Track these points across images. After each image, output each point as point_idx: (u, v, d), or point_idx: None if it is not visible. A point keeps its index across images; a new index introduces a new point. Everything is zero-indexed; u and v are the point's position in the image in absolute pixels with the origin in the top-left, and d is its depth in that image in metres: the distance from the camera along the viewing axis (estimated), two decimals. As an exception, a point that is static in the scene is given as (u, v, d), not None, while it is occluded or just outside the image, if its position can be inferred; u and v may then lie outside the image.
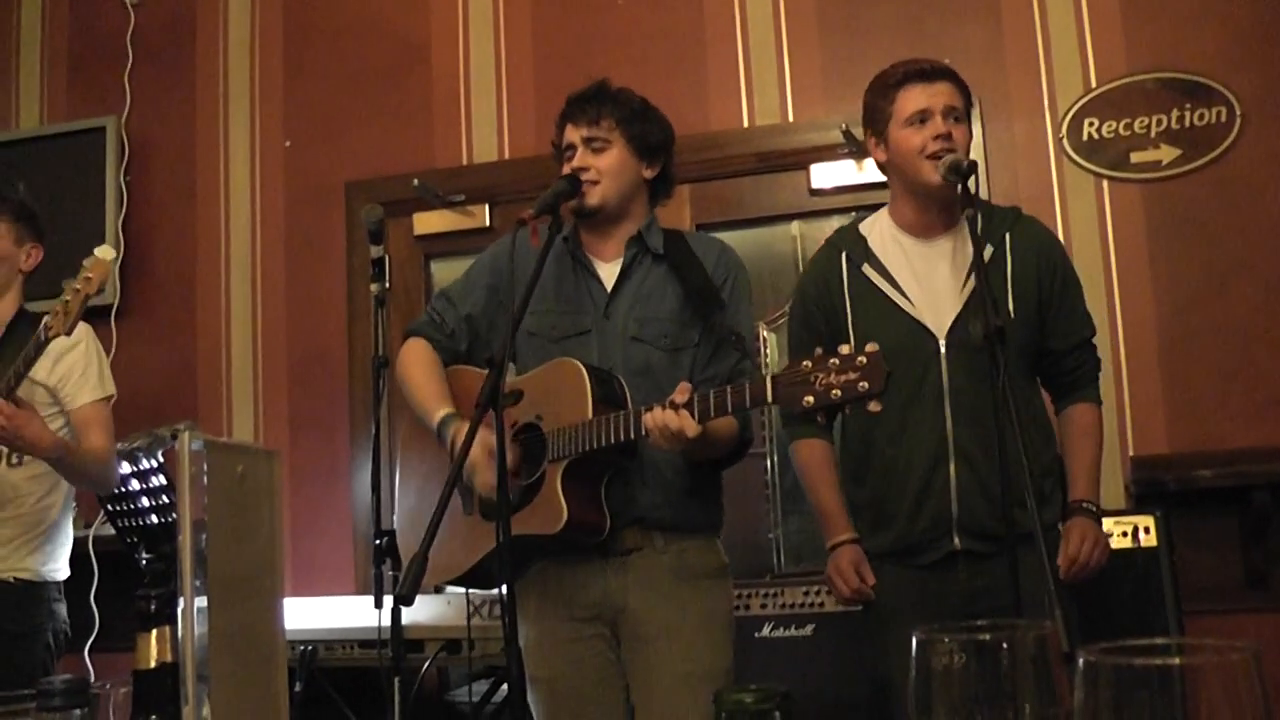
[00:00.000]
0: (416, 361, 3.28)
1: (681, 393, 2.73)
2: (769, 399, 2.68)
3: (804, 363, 2.61)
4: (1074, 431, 3.24)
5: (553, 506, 2.89)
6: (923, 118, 3.13)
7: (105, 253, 3.52)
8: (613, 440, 2.85)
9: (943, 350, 3.09)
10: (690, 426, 2.71)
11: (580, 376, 2.95)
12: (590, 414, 2.89)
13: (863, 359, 2.55)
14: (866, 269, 3.21)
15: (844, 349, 2.58)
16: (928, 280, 3.16)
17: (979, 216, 2.90)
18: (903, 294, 3.15)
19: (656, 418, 2.73)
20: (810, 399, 2.59)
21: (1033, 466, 2.99)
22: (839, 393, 2.56)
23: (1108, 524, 3.47)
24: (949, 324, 3.10)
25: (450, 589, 3.79)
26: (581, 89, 3.25)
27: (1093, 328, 3.31)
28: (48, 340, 3.46)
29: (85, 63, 5.84)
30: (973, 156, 3.19)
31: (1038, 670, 1.01)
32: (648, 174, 3.24)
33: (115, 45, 5.71)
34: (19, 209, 3.90)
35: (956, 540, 3.07)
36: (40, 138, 5.72)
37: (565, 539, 2.91)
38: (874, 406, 2.56)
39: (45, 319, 3.45)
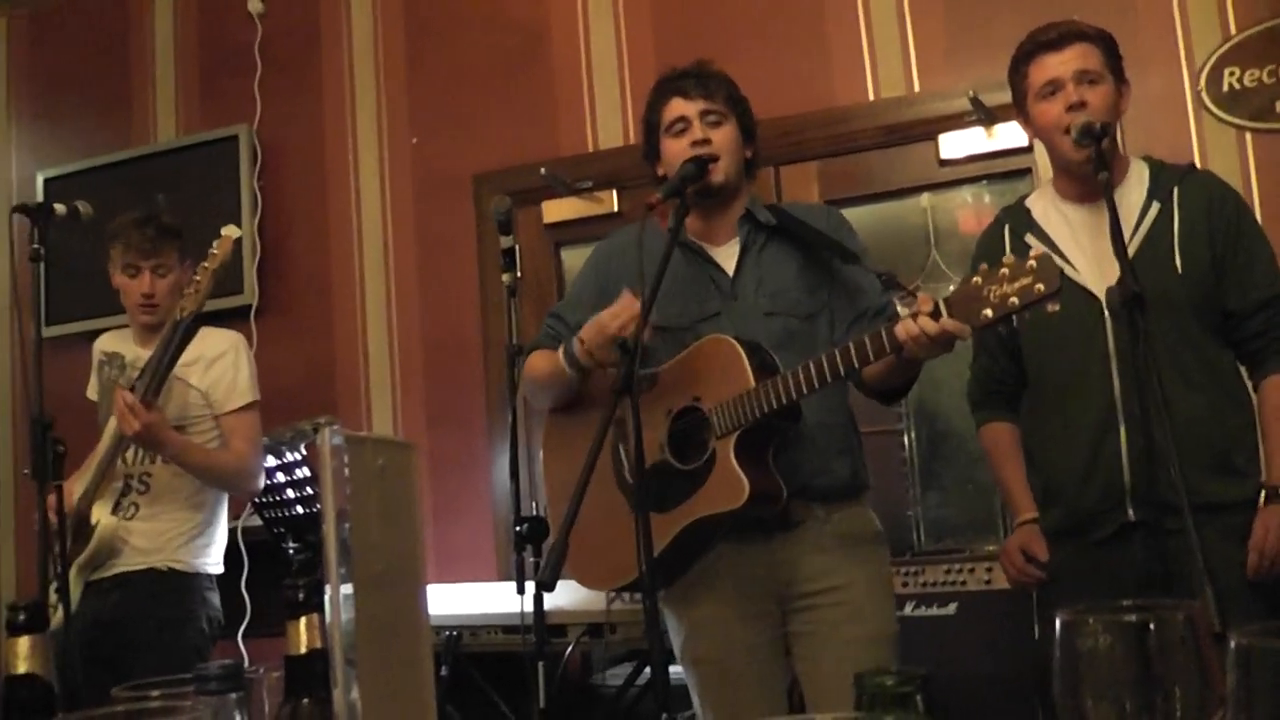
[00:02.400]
0: (534, 359, 3.26)
1: (926, 302, 2.62)
2: (948, 318, 2.57)
3: (974, 278, 2.54)
4: (1266, 410, 3.04)
5: (731, 481, 2.84)
6: (1054, 88, 3.06)
7: (231, 230, 3.72)
8: (784, 400, 2.79)
9: (1106, 313, 2.99)
10: (963, 328, 2.58)
11: (734, 349, 2.90)
12: (753, 382, 2.84)
13: (1032, 262, 2.47)
14: (1029, 238, 3.14)
15: (1009, 257, 2.50)
16: (1090, 245, 3.06)
17: (1111, 178, 2.83)
18: (1065, 259, 3.06)
19: (910, 328, 2.61)
20: (989, 312, 2.51)
21: (1212, 434, 2.93)
22: (1015, 300, 2.48)
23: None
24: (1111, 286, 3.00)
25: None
26: (680, 68, 3.21)
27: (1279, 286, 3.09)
28: (184, 319, 3.65)
29: (216, 75, 5.99)
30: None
31: (1187, 653, 0.96)
32: (748, 153, 3.21)
33: (244, 56, 5.84)
34: (176, 231, 4.04)
35: (1131, 511, 2.95)
36: (177, 149, 5.90)
37: (747, 513, 2.86)
38: (1052, 306, 2.49)
39: (180, 301, 3.65)
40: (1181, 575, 2.67)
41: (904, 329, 2.63)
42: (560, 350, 3.08)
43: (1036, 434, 3.19)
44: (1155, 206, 3.04)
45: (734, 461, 2.84)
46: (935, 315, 2.59)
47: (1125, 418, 2.96)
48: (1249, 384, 3.10)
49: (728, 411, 2.87)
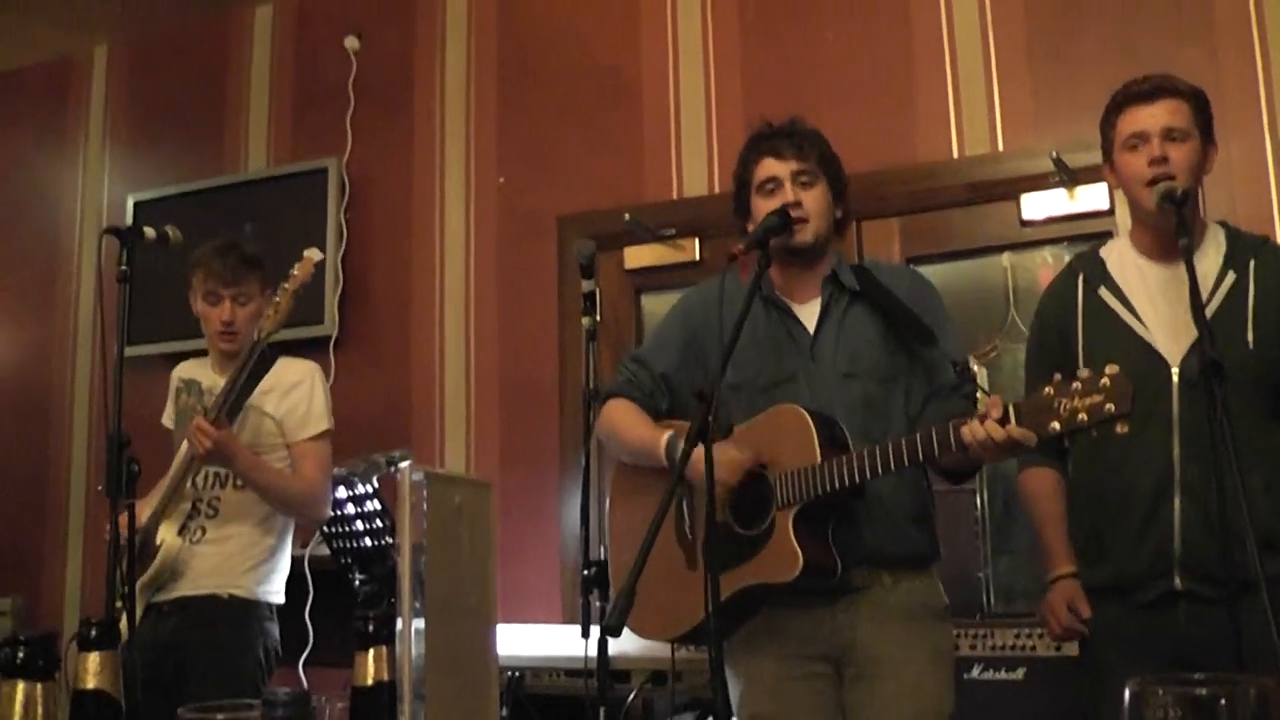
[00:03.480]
0: (620, 411, 3.27)
1: (995, 407, 2.64)
2: (1016, 425, 2.60)
3: (1046, 389, 2.55)
4: None
5: (786, 553, 2.85)
6: (1139, 141, 3.04)
7: (312, 253, 3.78)
8: (848, 482, 2.81)
9: (1175, 378, 2.97)
10: (1029, 436, 2.61)
11: (804, 421, 2.91)
12: (819, 457, 2.85)
13: (1106, 380, 2.48)
14: (1102, 291, 3.12)
15: (1084, 372, 2.51)
16: (1165, 306, 3.03)
17: (1192, 245, 2.81)
18: (1137, 318, 3.05)
19: (976, 431, 2.64)
20: (1056, 424, 2.53)
21: (1265, 510, 2.88)
22: (1085, 416, 2.49)
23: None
24: (1184, 351, 2.97)
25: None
26: (774, 125, 3.23)
27: None
28: (261, 340, 3.72)
29: (309, 108, 6.09)
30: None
31: (1257, 728, 0.95)
32: (837, 213, 3.22)
33: (338, 91, 5.93)
34: (261, 262, 4.08)
35: (1178, 580, 2.92)
36: (267, 179, 5.99)
37: (798, 585, 2.87)
38: (1121, 428, 2.50)
39: (259, 323, 3.73)
40: (1224, 646, 2.62)
41: (970, 431, 2.65)
42: (664, 438, 3.09)
43: (1089, 489, 3.15)
44: (1231, 276, 3.01)
45: (792, 534, 2.85)
46: (1003, 420, 2.61)
47: (1181, 485, 2.93)
48: None
49: (792, 483, 2.88)
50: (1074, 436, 2.66)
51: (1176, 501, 2.93)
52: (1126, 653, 2.99)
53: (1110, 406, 2.46)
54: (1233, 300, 2.99)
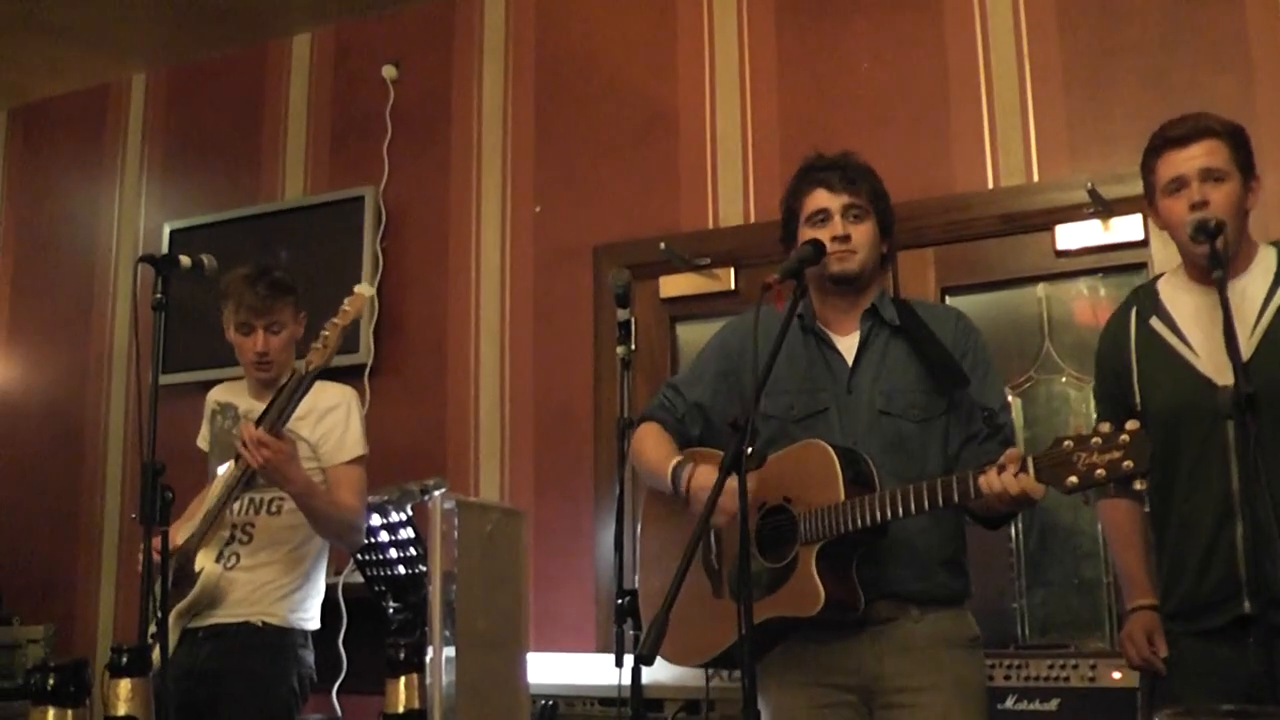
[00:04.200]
0: (648, 436, 3.29)
1: (1013, 460, 2.66)
2: (1032, 478, 2.64)
3: (1065, 442, 2.57)
4: None
5: (808, 589, 2.86)
6: (1179, 185, 3.04)
7: (364, 289, 3.78)
8: (868, 522, 2.82)
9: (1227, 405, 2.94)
10: (1037, 489, 2.65)
11: (829, 458, 2.92)
12: (843, 496, 2.86)
13: (1125, 436, 2.50)
14: (1154, 321, 3.13)
15: (1104, 427, 2.53)
16: (1216, 332, 2.97)
17: (1227, 278, 2.81)
18: (1189, 346, 3.05)
19: (993, 482, 2.67)
20: (1074, 479, 2.55)
21: None
22: (1103, 472, 2.52)
23: None
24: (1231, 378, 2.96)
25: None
26: (827, 157, 3.24)
27: None
28: (309, 373, 3.69)
29: (347, 137, 6.13)
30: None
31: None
32: (884, 248, 3.22)
33: (375, 120, 5.98)
34: (291, 286, 4.08)
35: (1247, 604, 2.90)
36: (304, 208, 6.02)
37: (821, 620, 2.88)
38: (1139, 485, 2.50)
39: (307, 355, 3.69)
40: None
41: (986, 481, 2.69)
42: (671, 463, 3.12)
43: (1161, 520, 3.15)
44: (1275, 303, 3.00)
45: (814, 570, 2.87)
46: (1020, 472, 2.64)
47: (1243, 510, 2.92)
48: None
49: (815, 520, 2.90)
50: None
51: (1239, 527, 2.92)
52: (1195, 683, 2.97)
53: (1129, 464, 2.49)
54: (1278, 327, 2.99)
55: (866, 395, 3.10)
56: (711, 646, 3.08)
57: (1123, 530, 3.25)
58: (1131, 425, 2.50)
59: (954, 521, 3.10)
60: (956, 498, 2.74)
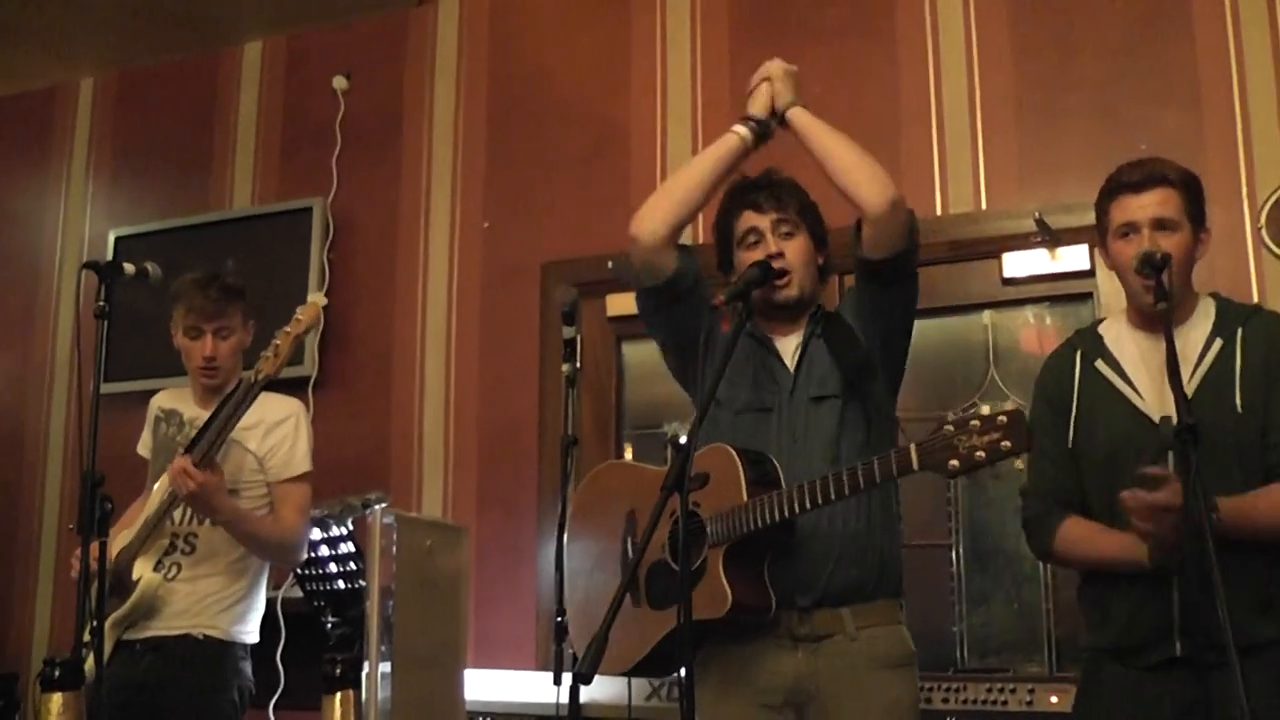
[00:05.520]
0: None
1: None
2: (915, 466, 2.69)
3: (945, 427, 2.62)
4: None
5: (717, 591, 2.89)
6: (1130, 230, 3.06)
7: (318, 298, 3.77)
8: (769, 520, 2.86)
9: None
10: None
11: (732, 460, 2.96)
12: (745, 497, 2.90)
13: (1003, 418, 2.56)
14: (1099, 364, 3.14)
15: (984, 409, 2.59)
16: (1159, 375, 2.99)
17: (1172, 312, 2.85)
18: (1132, 387, 3.06)
19: (885, 467, 2.74)
20: (955, 462, 2.61)
21: (1260, 575, 2.86)
22: (983, 454, 2.57)
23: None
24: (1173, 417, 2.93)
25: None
26: (751, 177, 3.27)
27: None
28: (257, 382, 3.67)
29: (296, 147, 6.10)
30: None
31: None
32: (820, 260, 3.26)
33: (325, 130, 5.94)
34: (242, 292, 4.05)
35: (1178, 645, 2.90)
36: (251, 217, 5.98)
37: (732, 622, 2.91)
38: (1019, 464, 2.55)
39: (257, 363, 3.66)
40: (1223, 711, 2.62)
41: (879, 468, 2.76)
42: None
43: None
44: (1218, 343, 3.02)
45: (722, 572, 2.91)
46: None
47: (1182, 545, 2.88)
48: None
49: (721, 523, 2.94)
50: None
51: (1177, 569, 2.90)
52: (1124, 712, 2.98)
53: (1007, 444, 2.54)
54: (1220, 367, 3.00)
55: (803, 391, 3.14)
56: (632, 655, 3.11)
57: (1089, 529, 3.09)
58: (1010, 405, 2.55)
59: (875, 516, 3.09)
60: (862, 485, 2.78)
